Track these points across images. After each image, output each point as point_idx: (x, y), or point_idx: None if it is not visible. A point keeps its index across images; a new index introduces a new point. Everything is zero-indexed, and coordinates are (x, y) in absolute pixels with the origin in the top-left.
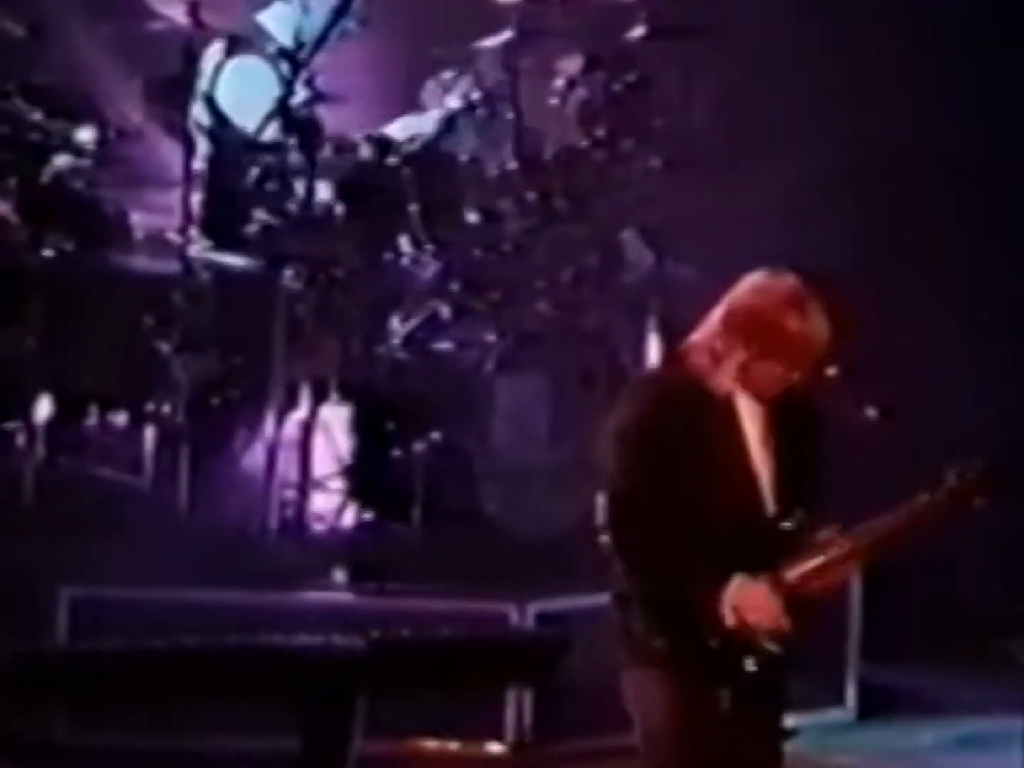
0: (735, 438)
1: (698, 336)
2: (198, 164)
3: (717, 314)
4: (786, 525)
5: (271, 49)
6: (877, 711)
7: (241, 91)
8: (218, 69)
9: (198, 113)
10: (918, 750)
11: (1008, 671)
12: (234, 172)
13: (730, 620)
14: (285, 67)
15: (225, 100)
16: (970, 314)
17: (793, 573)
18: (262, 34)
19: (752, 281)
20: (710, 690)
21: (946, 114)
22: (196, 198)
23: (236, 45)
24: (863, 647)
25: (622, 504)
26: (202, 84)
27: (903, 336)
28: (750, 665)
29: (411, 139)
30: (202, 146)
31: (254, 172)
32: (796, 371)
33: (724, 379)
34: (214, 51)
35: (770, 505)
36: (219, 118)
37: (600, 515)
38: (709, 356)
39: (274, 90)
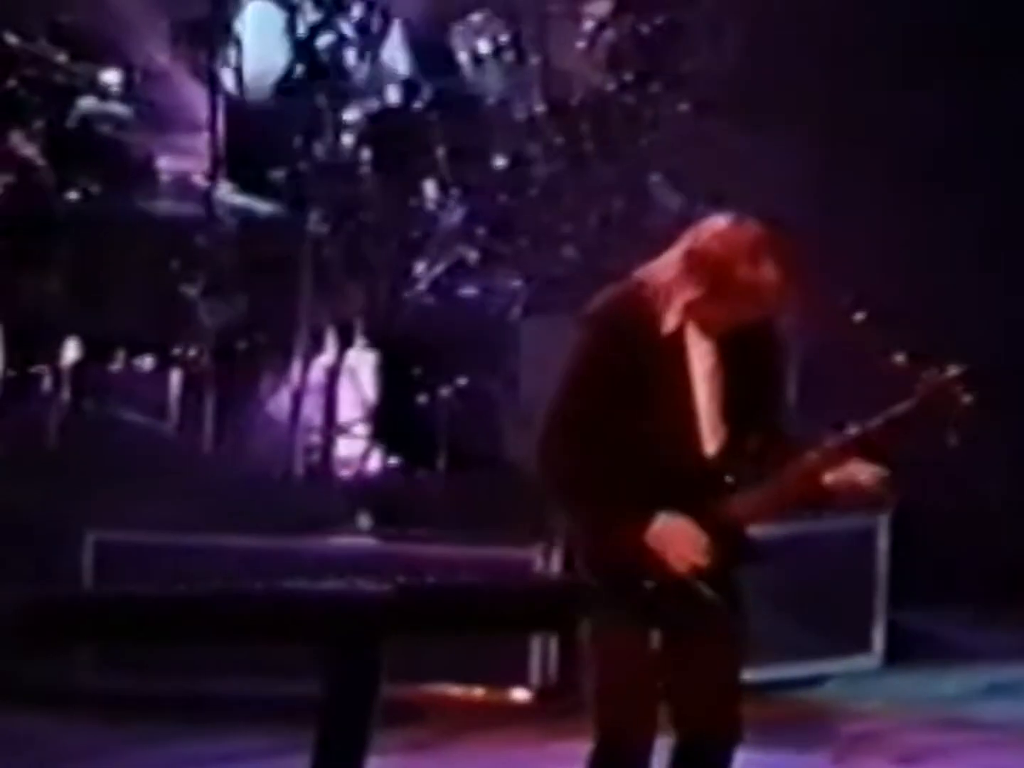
0: (679, 375)
1: (656, 268)
2: (224, 109)
3: (674, 253)
4: (723, 469)
5: None
6: (904, 657)
7: (260, 33)
8: (241, 12)
9: (227, 57)
10: (945, 697)
11: None
12: (261, 116)
13: (655, 561)
14: (313, 12)
15: (248, 42)
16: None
17: (729, 504)
18: None
19: (713, 225)
20: (642, 629)
21: (977, 76)
22: (222, 141)
23: None
24: (890, 593)
25: (557, 427)
26: (233, 26)
27: (931, 280)
28: (706, 592)
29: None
30: (230, 91)
31: (281, 117)
32: (739, 315)
33: (671, 316)
34: None
35: (709, 442)
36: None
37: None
38: (662, 293)
39: (287, 34)
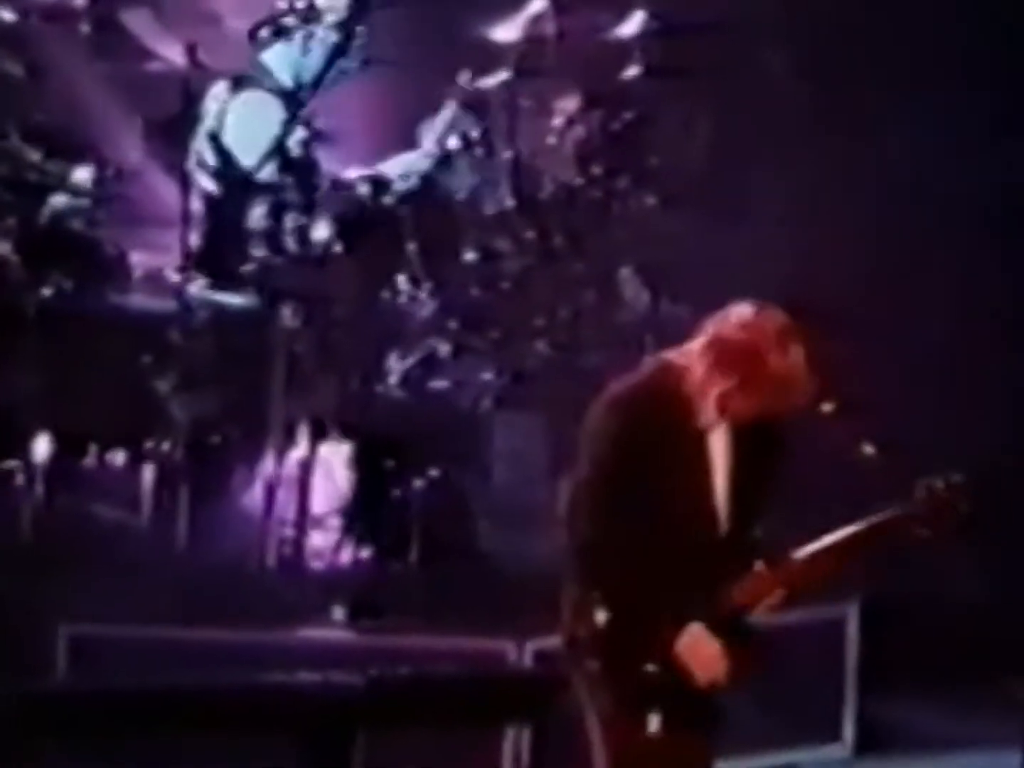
0: (700, 461)
1: (679, 357)
2: (197, 203)
3: (699, 342)
4: (734, 554)
5: (273, 88)
6: (874, 747)
7: (246, 128)
8: (224, 108)
9: (200, 151)
10: None
11: (1006, 707)
12: (234, 210)
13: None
14: (284, 106)
15: (230, 137)
16: (970, 344)
17: (734, 592)
18: (265, 73)
19: (738, 313)
20: (641, 713)
21: (946, 146)
22: (194, 237)
23: (240, 84)
24: (860, 682)
25: (582, 504)
26: (207, 122)
27: (908, 368)
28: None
29: (407, 176)
30: (203, 184)
31: (254, 211)
32: (772, 406)
33: (707, 409)
34: (218, 90)
35: (723, 529)
36: (224, 157)
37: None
38: (694, 383)
39: (277, 127)
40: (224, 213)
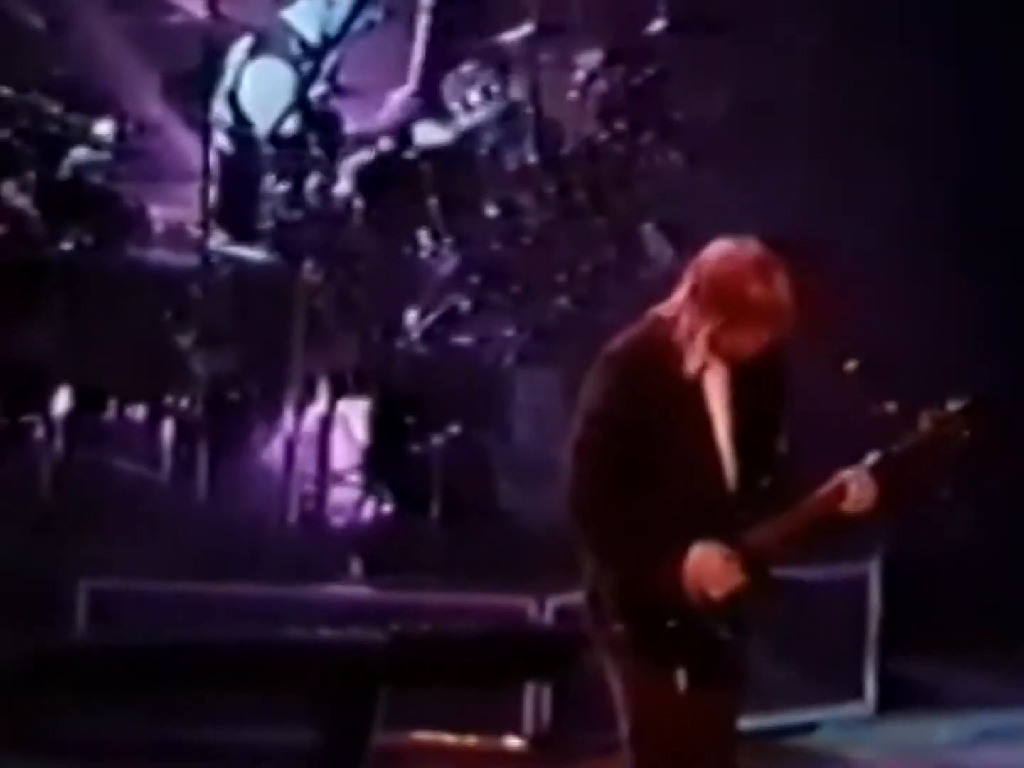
0: (699, 410)
1: (668, 309)
2: (216, 159)
3: (682, 288)
4: (742, 501)
5: (295, 45)
6: (896, 705)
7: (263, 88)
8: (241, 67)
9: (219, 110)
10: (937, 744)
11: None
12: (254, 167)
13: (693, 596)
14: (308, 63)
15: (247, 97)
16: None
17: (756, 536)
18: (287, 30)
19: (716, 250)
20: (668, 671)
21: (973, 102)
22: (215, 192)
23: (262, 42)
24: (882, 641)
25: (583, 463)
26: (226, 81)
27: (931, 323)
28: (724, 633)
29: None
30: (222, 142)
31: (274, 167)
32: (761, 338)
33: (696, 354)
34: (239, 48)
35: (731, 474)
36: (239, 116)
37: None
38: (683, 331)
39: (293, 88)
40: (245, 170)
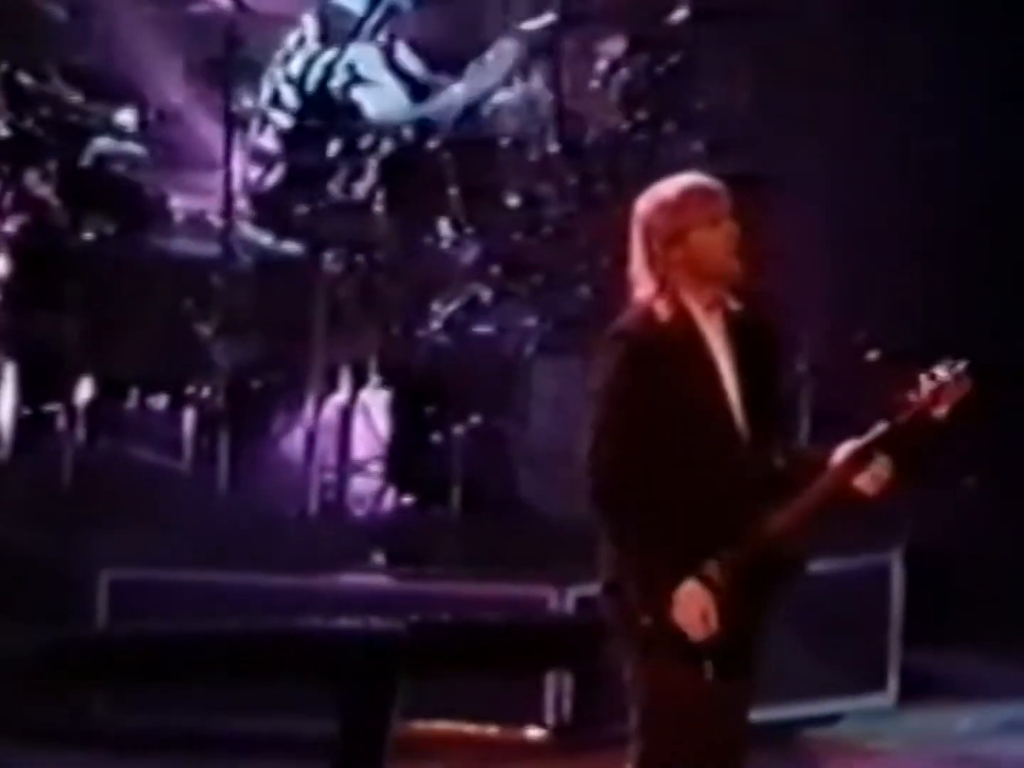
0: (707, 372)
1: (631, 269)
2: (271, 144)
3: (636, 240)
4: (759, 464)
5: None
6: (918, 696)
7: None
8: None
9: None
10: (958, 735)
11: None
12: (277, 156)
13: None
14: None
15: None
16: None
17: (767, 522)
18: (339, 12)
19: (651, 194)
20: (694, 662)
21: (991, 87)
22: (270, 179)
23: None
24: (904, 632)
25: (612, 467)
26: (291, 68)
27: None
28: (708, 673)
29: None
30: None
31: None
32: (724, 275)
33: (664, 305)
34: (307, 35)
35: (744, 437)
36: (306, 100)
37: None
38: (656, 291)
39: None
40: (267, 157)
